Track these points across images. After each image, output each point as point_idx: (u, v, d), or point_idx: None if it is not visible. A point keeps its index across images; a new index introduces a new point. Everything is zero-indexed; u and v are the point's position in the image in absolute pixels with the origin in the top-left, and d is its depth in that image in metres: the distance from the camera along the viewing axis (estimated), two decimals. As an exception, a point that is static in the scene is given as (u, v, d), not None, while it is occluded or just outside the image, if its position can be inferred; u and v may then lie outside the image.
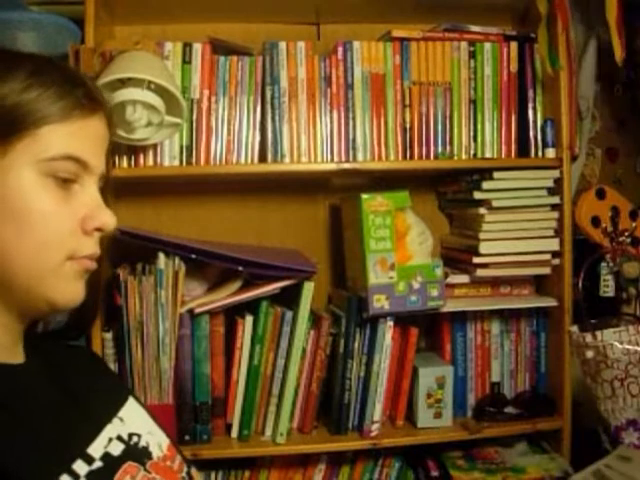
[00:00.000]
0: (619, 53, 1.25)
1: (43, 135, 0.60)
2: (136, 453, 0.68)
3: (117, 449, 0.65)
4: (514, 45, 1.40)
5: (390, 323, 1.30)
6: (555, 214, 1.37)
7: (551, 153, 1.39)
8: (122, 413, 0.71)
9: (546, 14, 1.31)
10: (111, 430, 0.67)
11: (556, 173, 1.36)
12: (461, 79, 1.38)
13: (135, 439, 0.69)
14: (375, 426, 1.33)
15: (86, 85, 0.65)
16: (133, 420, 0.72)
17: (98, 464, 0.62)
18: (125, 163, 1.29)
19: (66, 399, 0.67)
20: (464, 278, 1.40)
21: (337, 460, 1.40)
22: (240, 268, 1.24)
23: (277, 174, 1.39)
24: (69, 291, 0.63)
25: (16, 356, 0.65)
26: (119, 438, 0.67)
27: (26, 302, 0.62)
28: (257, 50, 1.34)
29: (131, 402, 0.75)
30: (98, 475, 0.61)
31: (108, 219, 0.64)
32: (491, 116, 1.39)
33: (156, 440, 0.72)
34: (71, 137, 0.61)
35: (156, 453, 0.71)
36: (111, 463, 0.63)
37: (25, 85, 0.59)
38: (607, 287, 1.41)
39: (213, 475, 1.37)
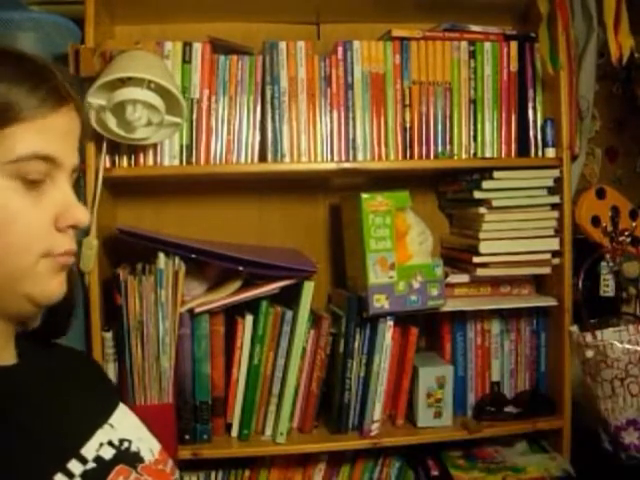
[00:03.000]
0: (615, 53, 1.25)
1: (8, 136, 0.57)
2: (127, 457, 0.67)
3: (108, 453, 0.65)
4: (514, 45, 1.40)
5: (390, 323, 1.30)
6: (555, 214, 1.37)
7: (551, 153, 1.39)
8: (112, 420, 0.71)
9: (547, 14, 1.31)
10: (102, 435, 0.67)
11: (556, 173, 1.36)
12: (461, 79, 1.38)
13: (126, 444, 0.69)
14: (375, 426, 1.33)
15: (51, 79, 0.62)
16: (123, 426, 0.71)
17: (92, 465, 0.62)
18: (125, 163, 1.29)
19: (58, 402, 0.66)
20: (464, 278, 1.40)
21: (337, 460, 1.40)
22: (240, 268, 1.24)
23: (277, 174, 1.39)
24: (48, 287, 0.62)
25: (7, 357, 0.65)
26: (110, 443, 0.67)
27: (8, 301, 0.61)
28: (257, 50, 1.34)
29: (122, 408, 0.75)
30: (92, 475, 0.61)
31: (81, 216, 0.62)
32: (491, 116, 1.39)
33: (147, 446, 0.72)
34: (39, 135, 0.59)
35: (147, 458, 0.70)
36: (103, 466, 0.63)
37: None
38: (607, 287, 1.41)
39: (213, 475, 1.37)
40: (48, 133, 0.60)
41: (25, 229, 0.59)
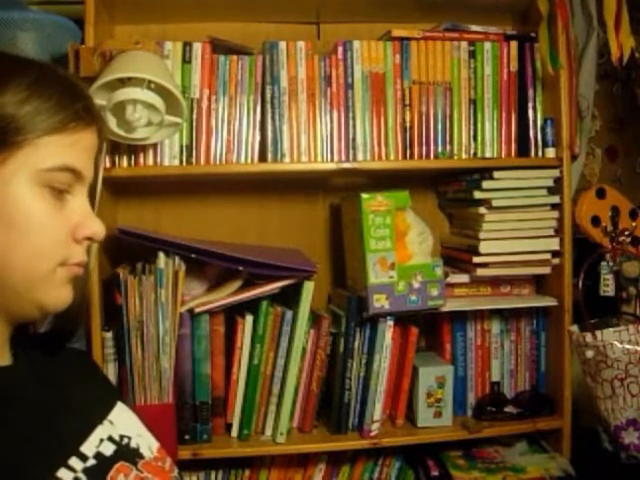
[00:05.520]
0: (615, 53, 1.25)
1: (41, 146, 0.60)
2: (128, 453, 0.68)
3: (109, 449, 0.66)
4: (514, 44, 1.39)
5: (390, 323, 1.30)
6: (555, 213, 1.37)
7: (551, 152, 1.39)
8: (112, 416, 0.72)
9: (547, 14, 1.31)
10: (102, 431, 0.68)
11: (556, 172, 1.36)
12: (461, 79, 1.37)
13: (126, 440, 0.70)
14: (375, 426, 1.33)
15: (85, 99, 0.66)
16: (123, 423, 0.73)
17: (92, 462, 0.63)
18: (125, 163, 1.29)
19: (56, 400, 0.67)
20: (464, 277, 1.40)
21: (337, 460, 1.40)
22: (240, 267, 1.24)
23: (277, 174, 1.39)
24: (59, 296, 0.65)
25: (3, 358, 0.66)
26: (110, 439, 0.68)
27: (16, 306, 0.63)
28: (257, 50, 1.34)
29: (120, 406, 0.76)
30: (93, 472, 0.61)
31: (98, 228, 0.66)
32: (491, 116, 1.39)
33: (146, 442, 0.73)
34: (68, 149, 0.62)
35: (147, 454, 0.71)
36: (104, 462, 0.64)
37: (24, 96, 0.59)
38: (607, 286, 1.41)
39: (213, 475, 1.37)
40: (77, 148, 0.64)
41: (48, 236, 0.62)
